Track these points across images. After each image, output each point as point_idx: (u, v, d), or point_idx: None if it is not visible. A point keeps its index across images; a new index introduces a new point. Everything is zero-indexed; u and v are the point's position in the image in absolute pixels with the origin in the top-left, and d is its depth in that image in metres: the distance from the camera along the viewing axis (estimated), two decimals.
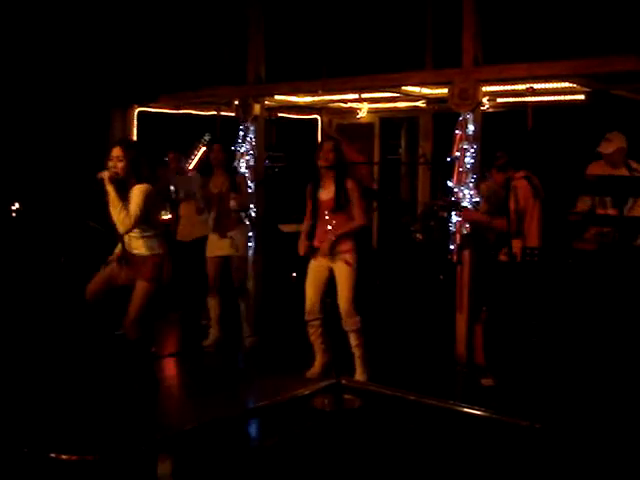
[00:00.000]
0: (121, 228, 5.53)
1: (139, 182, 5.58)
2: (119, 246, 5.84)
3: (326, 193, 6.31)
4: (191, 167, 8.45)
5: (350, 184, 6.23)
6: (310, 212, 6.45)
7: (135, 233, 5.64)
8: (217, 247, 7.39)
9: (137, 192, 5.52)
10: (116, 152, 5.59)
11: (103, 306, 5.79)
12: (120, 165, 5.54)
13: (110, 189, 5.46)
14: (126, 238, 5.72)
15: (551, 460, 3.31)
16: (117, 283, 5.81)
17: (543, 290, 5.88)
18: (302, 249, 6.39)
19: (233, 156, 7.72)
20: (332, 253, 6.18)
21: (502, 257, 6.23)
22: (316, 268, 6.34)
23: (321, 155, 6.28)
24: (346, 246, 6.22)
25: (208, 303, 7.55)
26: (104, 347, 6.95)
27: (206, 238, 7.80)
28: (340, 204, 6.20)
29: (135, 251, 5.73)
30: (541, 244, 6.16)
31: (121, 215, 5.46)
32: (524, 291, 5.96)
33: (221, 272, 7.50)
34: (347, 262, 6.17)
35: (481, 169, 6.92)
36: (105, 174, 5.50)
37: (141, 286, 5.65)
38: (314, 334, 6.39)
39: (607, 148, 6.46)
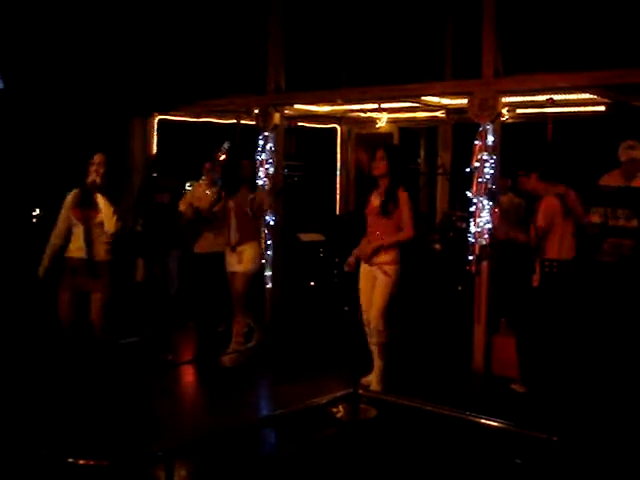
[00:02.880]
0: (113, 229, 5.90)
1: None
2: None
3: (376, 199, 6.25)
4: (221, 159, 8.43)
5: (402, 194, 6.12)
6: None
7: (105, 238, 5.94)
8: (229, 262, 7.26)
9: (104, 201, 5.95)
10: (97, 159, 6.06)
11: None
12: (101, 171, 5.99)
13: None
14: (80, 243, 5.95)
15: (568, 473, 3.29)
16: None
17: (566, 303, 5.86)
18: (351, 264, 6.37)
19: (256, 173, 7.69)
20: (371, 261, 6.16)
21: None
22: (365, 277, 6.31)
23: (373, 164, 6.27)
24: (387, 257, 6.14)
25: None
26: (119, 352, 6.99)
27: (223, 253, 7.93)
28: (386, 210, 6.11)
29: (97, 257, 5.95)
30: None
31: (114, 218, 5.86)
32: (547, 304, 5.94)
33: None
34: (385, 273, 6.11)
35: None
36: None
37: (97, 298, 5.96)
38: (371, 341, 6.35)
39: (629, 155, 6.45)
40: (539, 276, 6.08)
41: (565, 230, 6.07)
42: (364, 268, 6.31)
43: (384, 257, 6.14)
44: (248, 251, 7.21)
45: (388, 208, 6.11)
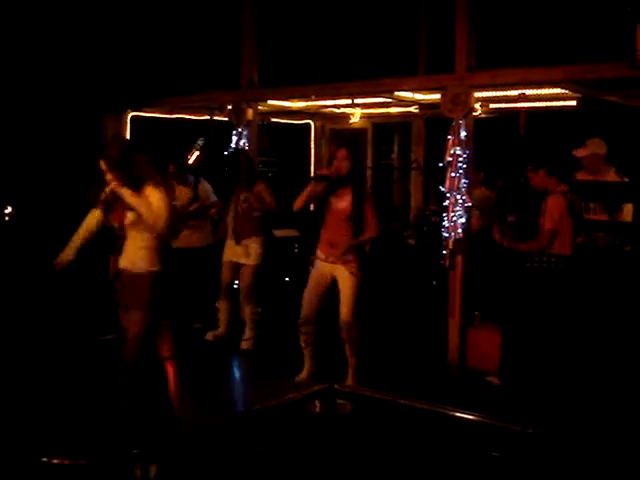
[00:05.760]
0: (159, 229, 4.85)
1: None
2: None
3: (341, 201, 6.06)
4: (191, 161, 8.38)
5: (366, 194, 6.09)
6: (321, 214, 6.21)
7: (140, 242, 4.89)
8: (232, 253, 7.44)
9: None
10: None
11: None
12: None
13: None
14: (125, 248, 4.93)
15: (544, 466, 3.32)
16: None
17: (539, 295, 5.90)
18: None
19: (252, 163, 7.66)
20: (334, 259, 6.08)
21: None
22: (318, 275, 6.21)
23: (335, 164, 6.03)
24: (350, 255, 6.07)
25: (219, 307, 7.67)
26: (94, 351, 6.95)
27: (202, 249, 8.01)
28: (359, 216, 5.97)
29: (130, 266, 4.93)
30: None
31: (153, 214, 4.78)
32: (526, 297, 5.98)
33: (233, 277, 7.56)
34: (353, 272, 6.04)
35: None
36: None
37: (137, 316, 4.89)
38: (305, 340, 6.34)
39: (581, 152, 6.50)
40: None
41: (567, 231, 6.08)
42: (322, 266, 6.19)
43: (349, 255, 6.07)
44: (254, 245, 7.38)
45: (360, 213, 6.00)
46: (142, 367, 5.02)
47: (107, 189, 4.85)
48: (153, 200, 4.79)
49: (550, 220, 6.03)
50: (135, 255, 4.90)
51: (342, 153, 6.02)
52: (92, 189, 5.01)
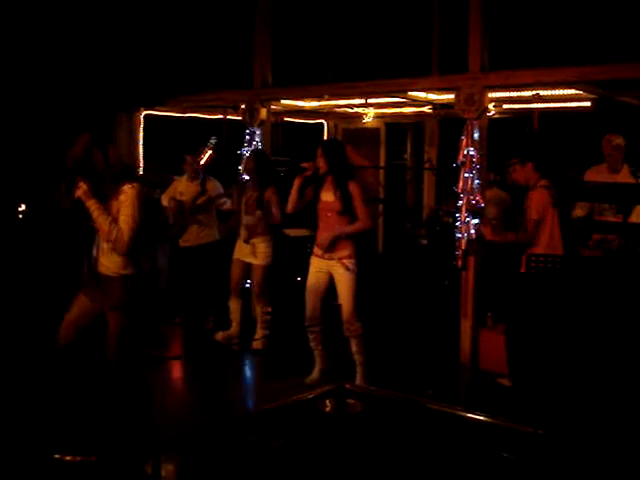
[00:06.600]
0: (119, 251, 4.70)
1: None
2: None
3: (328, 195, 6.15)
4: (203, 161, 8.38)
5: (353, 187, 6.06)
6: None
7: (109, 244, 4.73)
8: (241, 251, 7.48)
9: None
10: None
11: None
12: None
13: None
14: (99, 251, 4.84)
15: (555, 467, 3.31)
16: (90, 318, 4.92)
17: (549, 297, 5.87)
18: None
19: (266, 165, 7.61)
20: (330, 250, 6.08)
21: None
22: (315, 273, 6.22)
23: (316, 163, 6.19)
24: (346, 251, 6.08)
25: (230, 306, 7.66)
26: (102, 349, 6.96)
27: (210, 245, 8.07)
28: (347, 207, 6.03)
29: (104, 270, 4.80)
30: (563, 252, 6.09)
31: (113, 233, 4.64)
32: (532, 298, 5.95)
33: (243, 275, 7.59)
34: (347, 267, 6.06)
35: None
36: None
37: (111, 318, 4.79)
38: (314, 340, 6.34)
39: (611, 145, 6.53)
40: (525, 269, 6.11)
41: (554, 222, 6.09)
42: (318, 263, 6.21)
43: (344, 251, 6.08)
44: (263, 245, 7.40)
45: (349, 206, 6.03)
46: (128, 367, 4.95)
47: (77, 193, 4.73)
48: (121, 218, 4.64)
49: (535, 211, 6.05)
50: (107, 258, 4.80)
51: (318, 151, 6.20)
52: (61, 188, 4.91)
